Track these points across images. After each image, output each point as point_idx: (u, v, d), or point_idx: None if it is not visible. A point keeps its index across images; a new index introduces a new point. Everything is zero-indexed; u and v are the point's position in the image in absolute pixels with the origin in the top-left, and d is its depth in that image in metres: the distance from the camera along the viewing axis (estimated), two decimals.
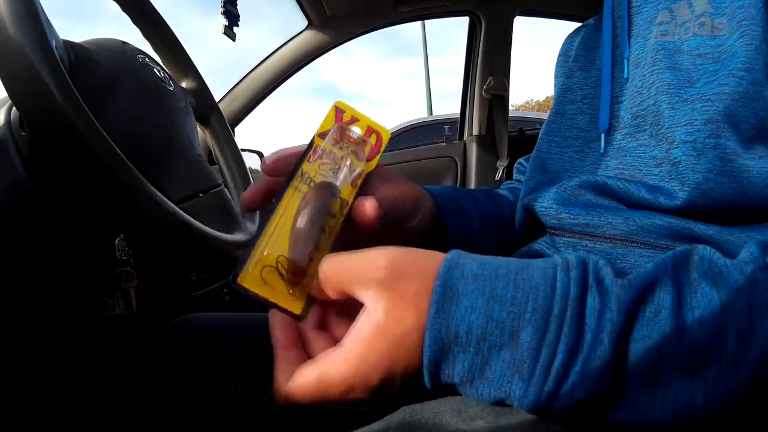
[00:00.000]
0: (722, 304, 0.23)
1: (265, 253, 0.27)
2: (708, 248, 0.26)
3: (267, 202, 0.32)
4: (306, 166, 0.30)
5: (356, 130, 0.33)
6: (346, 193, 0.31)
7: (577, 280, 0.24)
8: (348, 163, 0.31)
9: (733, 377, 0.22)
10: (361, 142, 0.32)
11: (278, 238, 0.28)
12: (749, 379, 0.22)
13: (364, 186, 0.32)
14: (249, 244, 0.28)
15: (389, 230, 0.34)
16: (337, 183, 0.30)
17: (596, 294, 0.24)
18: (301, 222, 0.28)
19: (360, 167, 0.32)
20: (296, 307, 0.27)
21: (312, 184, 0.30)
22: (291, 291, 0.27)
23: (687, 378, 0.23)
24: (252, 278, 0.27)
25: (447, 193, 0.45)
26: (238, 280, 0.27)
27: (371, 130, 0.33)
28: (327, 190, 0.29)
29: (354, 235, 0.31)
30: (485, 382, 0.24)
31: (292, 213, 0.28)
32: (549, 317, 0.23)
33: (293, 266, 0.27)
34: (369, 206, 0.30)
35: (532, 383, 0.23)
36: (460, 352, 0.24)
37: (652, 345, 0.23)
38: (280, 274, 0.27)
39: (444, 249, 0.39)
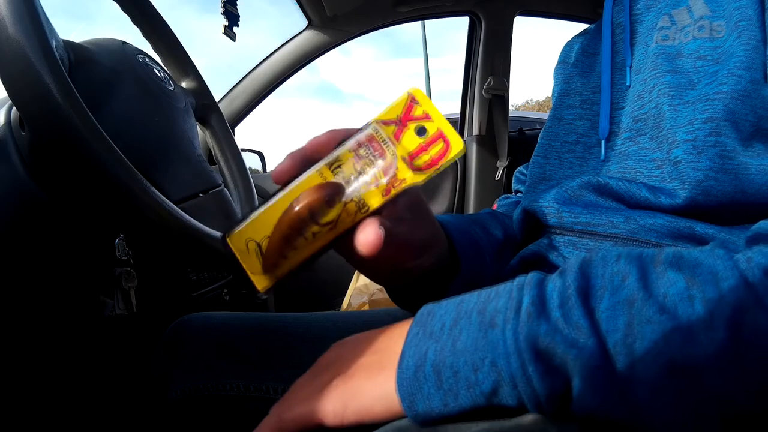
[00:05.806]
0: (686, 280, 0.24)
1: (256, 226, 0.28)
2: (674, 247, 0.27)
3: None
4: (343, 152, 0.28)
5: (422, 131, 0.28)
6: (372, 198, 0.27)
7: (537, 273, 0.27)
8: (392, 165, 0.27)
9: (710, 339, 0.22)
10: (422, 148, 0.28)
11: (274, 218, 0.28)
12: (728, 339, 0.22)
13: (392, 201, 0.28)
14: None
15: (386, 261, 0.33)
16: (352, 187, 0.27)
17: (556, 278, 0.26)
18: (283, 220, 0.27)
19: (404, 177, 0.27)
20: (261, 283, 0.28)
21: (336, 171, 0.27)
22: (263, 269, 0.28)
23: (661, 341, 0.23)
24: (238, 242, 0.28)
25: (459, 227, 0.43)
26: (227, 237, 0.28)
27: (440, 135, 0.28)
28: (325, 195, 0.26)
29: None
30: (457, 353, 0.26)
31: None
32: (513, 291, 0.26)
33: (268, 256, 0.28)
34: (370, 237, 0.27)
35: (507, 327, 0.25)
36: (433, 342, 0.27)
37: (621, 309, 0.24)
38: (260, 252, 0.28)
39: (455, 285, 0.39)
